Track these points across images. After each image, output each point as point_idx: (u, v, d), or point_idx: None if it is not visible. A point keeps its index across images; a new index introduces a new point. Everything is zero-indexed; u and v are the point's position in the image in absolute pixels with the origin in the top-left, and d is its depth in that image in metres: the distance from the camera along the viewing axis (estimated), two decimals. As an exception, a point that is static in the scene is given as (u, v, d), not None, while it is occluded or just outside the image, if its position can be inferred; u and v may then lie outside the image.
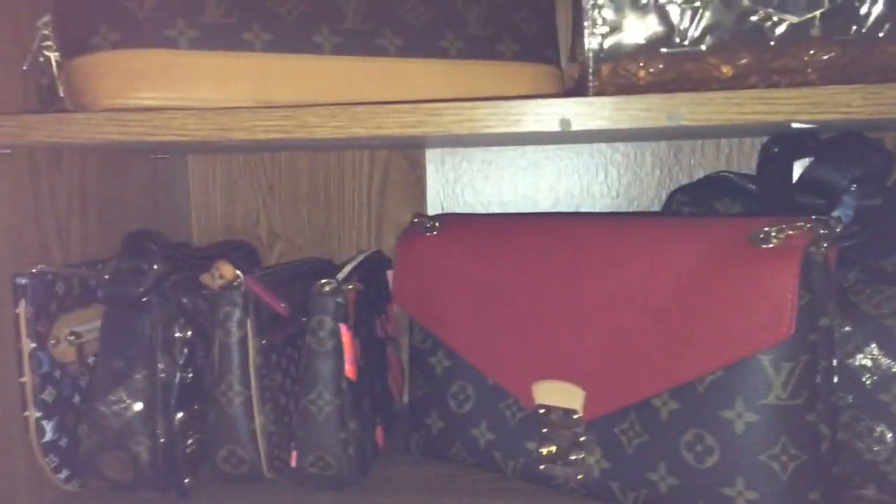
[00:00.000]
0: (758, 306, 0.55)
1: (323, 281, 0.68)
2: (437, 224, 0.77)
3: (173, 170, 0.97)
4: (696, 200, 0.77)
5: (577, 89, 0.63)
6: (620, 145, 0.94)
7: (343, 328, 0.68)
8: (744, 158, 0.90)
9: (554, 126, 0.58)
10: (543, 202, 0.95)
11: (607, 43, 0.58)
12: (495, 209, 0.96)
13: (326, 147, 0.91)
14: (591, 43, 0.58)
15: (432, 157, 0.97)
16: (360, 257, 0.83)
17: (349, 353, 0.68)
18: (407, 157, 0.97)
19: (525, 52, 0.75)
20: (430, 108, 0.59)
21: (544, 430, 0.68)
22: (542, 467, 0.68)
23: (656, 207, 0.93)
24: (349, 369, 0.68)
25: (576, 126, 0.57)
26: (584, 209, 0.95)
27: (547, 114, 0.57)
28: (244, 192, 1.00)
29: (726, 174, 0.78)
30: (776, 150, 0.72)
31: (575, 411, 0.65)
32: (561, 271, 0.67)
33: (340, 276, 0.74)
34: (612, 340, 0.63)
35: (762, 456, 0.56)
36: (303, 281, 0.83)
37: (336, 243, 0.99)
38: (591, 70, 0.59)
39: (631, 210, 0.94)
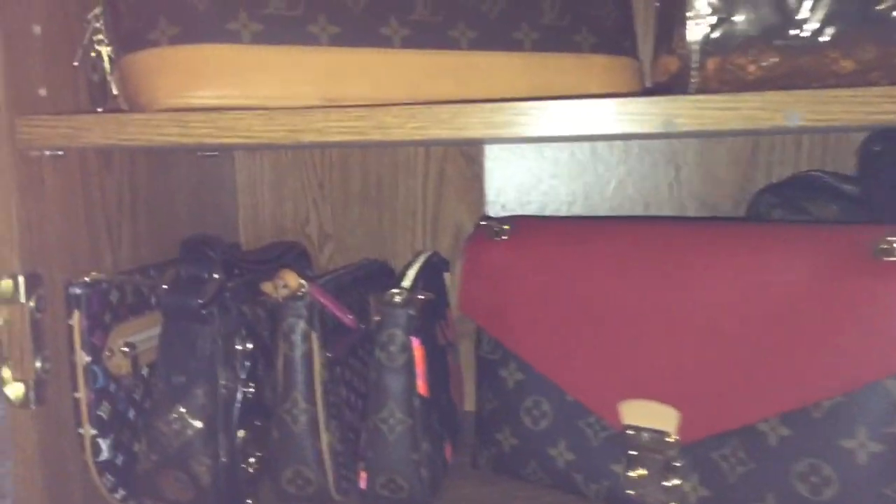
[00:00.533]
0: (886, 326, 0.50)
1: (393, 290, 0.63)
2: (507, 227, 0.72)
3: (220, 168, 0.93)
4: (786, 202, 0.72)
5: (671, 85, 0.58)
6: (692, 141, 0.88)
7: (415, 342, 0.63)
8: (829, 155, 0.84)
9: (656, 127, 0.52)
10: (610, 201, 0.90)
11: (715, 34, 0.52)
12: (560, 209, 0.91)
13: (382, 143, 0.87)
14: (694, 33, 0.53)
15: (491, 153, 0.92)
16: (421, 260, 0.79)
17: (421, 367, 0.64)
18: (464, 153, 0.92)
19: (603, 43, 0.70)
20: (518, 107, 0.54)
21: (632, 453, 0.63)
22: (629, 492, 0.63)
23: (730, 208, 0.88)
24: (421, 385, 0.64)
25: (682, 127, 0.52)
26: (652, 209, 0.89)
27: (648, 114, 0.52)
28: (293, 191, 0.96)
29: (818, 173, 0.73)
30: (878, 148, 0.66)
31: (668, 433, 0.61)
32: (651, 280, 0.62)
33: (406, 283, 0.70)
34: (711, 357, 0.58)
35: (888, 489, 0.51)
36: (361, 286, 0.79)
37: (389, 244, 0.95)
38: (694, 64, 0.53)
39: (704, 211, 0.88)
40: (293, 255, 0.86)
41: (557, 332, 0.67)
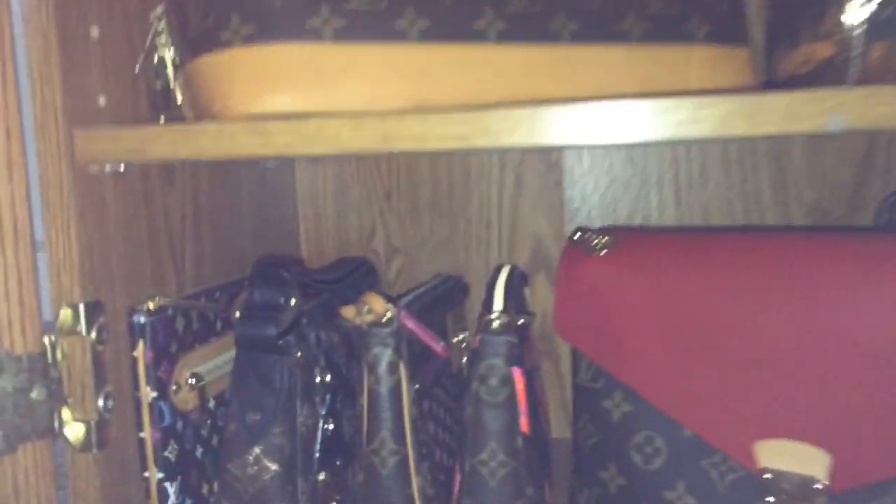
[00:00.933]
0: None
1: (493, 315, 0.56)
2: (607, 240, 0.64)
3: (280, 179, 0.87)
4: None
5: (816, 76, 0.50)
6: (798, 138, 0.80)
7: (517, 372, 0.56)
8: (959, 154, 0.75)
9: (809, 128, 0.45)
10: (705, 207, 0.82)
11: (884, 14, 0.44)
12: (650, 217, 0.83)
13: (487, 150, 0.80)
14: (856, 15, 0.45)
15: (572, 157, 0.84)
16: (503, 276, 0.72)
17: (523, 402, 0.57)
18: (542, 158, 0.85)
19: (716, 32, 0.62)
20: (655, 105, 0.46)
21: (770, 500, 0.55)
22: (765, 542, 0.55)
23: (843, 214, 0.79)
24: (524, 423, 0.57)
25: (842, 125, 0.44)
26: (754, 216, 0.81)
27: (800, 113, 0.45)
28: (358, 202, 0.89)
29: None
30: None
31: (816, 479, 0.53)
32: (789, 303, 0.54)
33: (497, 304, 0.63)
34: (867, 391, 0.50)
35: None
36: (440, 306, 0.72)
37: (463, 257, 0.88)
38: (856, 51, 0.46)
39: (813, 217, 0.80)
40: (361, 273, 0.79)
41: (673, 359, 0.60)
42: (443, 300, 0.74)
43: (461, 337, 0.75)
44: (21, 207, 0.49)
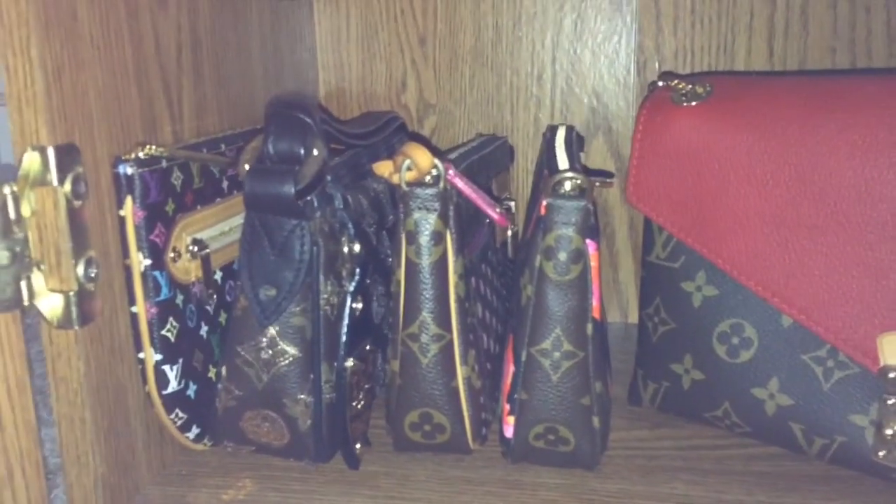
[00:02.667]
0: None
1: (564, 175, 0.45)
2: (704, 89, 0.52)
3: (297, 18, 0.74)
4: None
5: None
6: (922, -22, 0.66)
7: (591, 246, 0.46)
8: None
9: None
10: (804, 59, 0.69)
11: None
12: (732, 71, 0.70)
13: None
14: None
15: (644, -1, 0.71)
16: (561, 136, 0.60)
17: (597, 282, 0.46)
18: (608, -3, 0.71)
19: None
20: None
21: (890, 402, 0.45)
22: (880, 454, 0.46)
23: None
24: (596, 307, 0.46)
25: None
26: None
27: None
28: (387, 48, 0.76)
29: None
30: None
31: (957, 383, 0.43)
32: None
33: (561, 164, 0.51)
34: None
35: None
36: (486, 169, 0.61)
37: (508, 116, 0.76)
38: None
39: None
40: (393, 129, 0.67)
41: (777, 233, 0.49)
42: (489, 162, 0.62)
43: (508, 206, 0.64)
44: (-37, 16, 0.37)
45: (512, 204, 0.64)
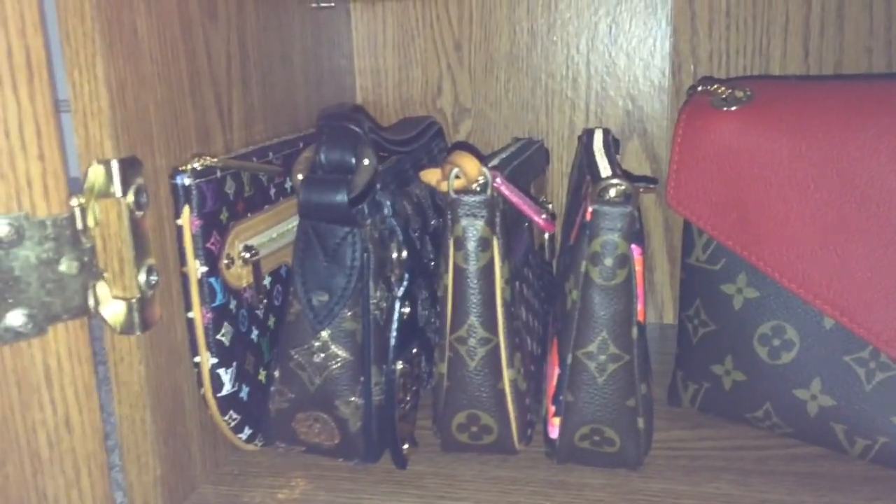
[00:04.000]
0: None
1: (609, 182, 0.46)
2: (745, 94, 0.53)
3: (335, 24, 0.75)
4: None
5: None
6: (959, -22, 0.66)
7: (636, 251, 0.46)
8: None
9: None
10: (840, 61, 0.69)
11: None
12: (767, 73, 0.71)
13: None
14: None
15: None
16: (598, 139, 0.61)
17: (642, 286, 0.47)
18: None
19: None
20: None
21: (934, 405, 0.46)
22: (924, 455, 0.47)
23: None
24: (641, 310, 0.47)
25: None
26: None
27: None
28: (423, 53, 0.78)
29: None
30: None
31: None
32: None
33: (604, 170, 0.52)
34: None
35: None
36: (526, 174, 0.62)
37: (544, 119, 0.77)
38: None
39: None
40: (432, 135, 0.69)
41: (818, 235, 0.49)
42: (528, 166, 0.63)
43: (551, 212, 0.65)
44: (34, 36, 0.39)
45: (549, 206, 0.65)
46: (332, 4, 0.71)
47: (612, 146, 0.61)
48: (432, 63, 0.77)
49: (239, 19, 0.56)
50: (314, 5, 0.69)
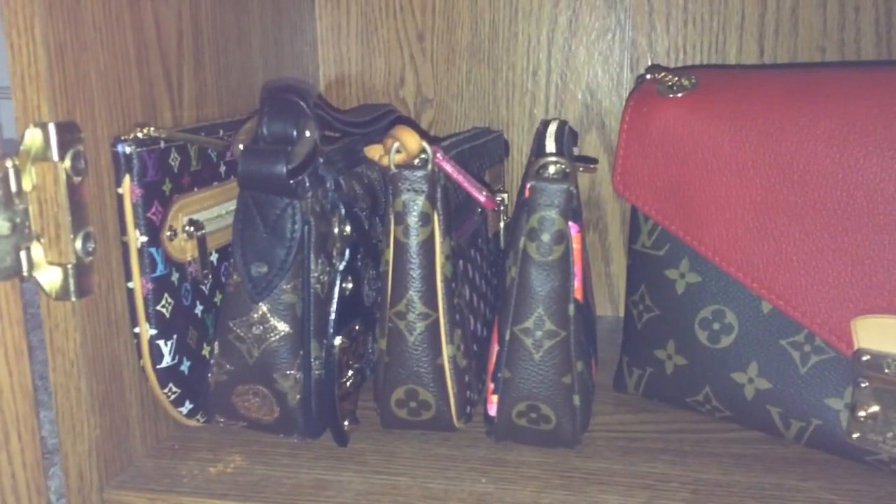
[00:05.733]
0: None
1: (548, 159, 0.46)
2: (690, 81, 0.53)
3: (298, 12, 0.75)
4: None
5: None
6: (910, -21, 0.67)
7: (574, 228, 0.47)
8: None
9: None
10: (794, 58, 0.70)
11: None
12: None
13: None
14: None
15: (637, -3, 0.72)
16: (553, 128, 0.61)
17: (579, 264, 0.48)
18: (602, -5, 0.73)
19: None
20: None
21: (864, 385, 0.46)
22: (854, 436, 0.47)
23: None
24: (578, 287, 0.48)
25: None
26: (847, 69, 0.70)
27: None
28: (386, 43, 0.78)
29: None
30: None
31: (929, 364, 0.44)
32: (917, 153, 0.44)
33: (548, 150, 0.53)
34: None
35: None
36: (478, 159, 0.63)
37: (504, 110, 0.77)
38: None
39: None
40: (391, 121, 0.69)
41: (758, 220, 0.50)
42: (482, 152, 0.64)
43: (500, 198, 0.65)
44: (-30, -5, 0.39)
45: (505, 196, 0.66)
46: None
47: (567, 136, 0.62)
48: (395, 53, 0.78)
49: (193, -4, 0.57)
50: (275, -11, 0.70)
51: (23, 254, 0.42)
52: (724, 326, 0.53)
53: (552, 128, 0.59)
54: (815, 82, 0.50)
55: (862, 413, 0.47)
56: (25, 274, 0.43)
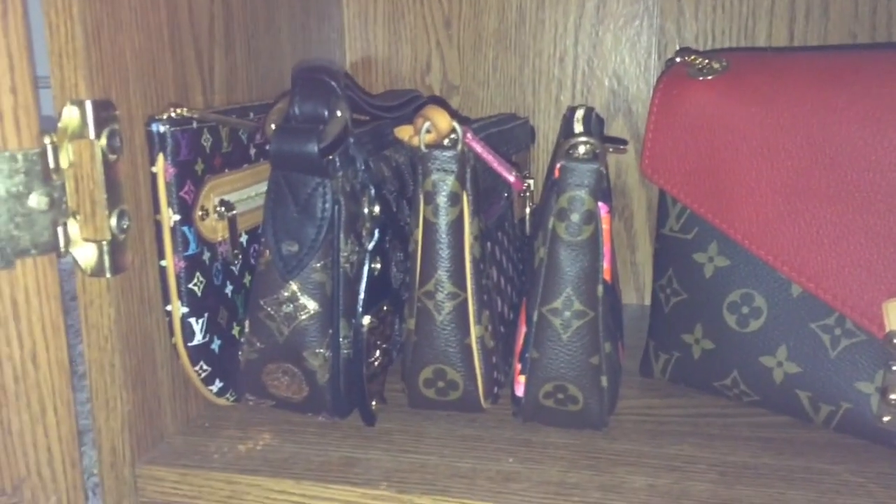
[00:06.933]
0: None
1: (578, 139, 0.46)
2: (721, 64, 0.53)
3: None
4: None
5: None
6: (944, -36, 0.66)
7: (604, 209, 0.47)
8: None
9: None
10: (824, 44, 0.70)
11: None
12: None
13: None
14: None
15: (665, -17, 0.72)
16: (580, 114, 0.61)
17: (608, 245, 0.48)
18: (630, -19, 0.73)
19: None
20: None
21: (895, 368, 0.46)
22: (885, 420, 0.47)
23: None
24: (607, 269, 0.48)
25: None
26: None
27: None
28: (412, 30, 0.78)
29: None
30: None
31: (963, 347, 0.44)
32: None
33: (577, 131, 0.53)
34: None
35: None
36: (506, 144, 0.63)
37: (530, 97, 0.77)
38: None
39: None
40: (418, 106, 0.69)
41: (788, 203, 0.50)
42: (509, 138, 0.64)
43: (527, 184, 0.65)
44: (10, -27, 0.40)
45: (531, 182, 0.66)
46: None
47: (593, 122, 0.62)
48: (422, 39, 0.78)
49: (224, -21, 0.57)
50: (304, -25, 0.70)
51: (59, 230, 0.43)
52: (752, 310, 0.52)
53: (579, 113, 0.59)
54: (847, 64, 0.50)
55: (893, 396, 0.46)
56: (62, 249, 0.44)
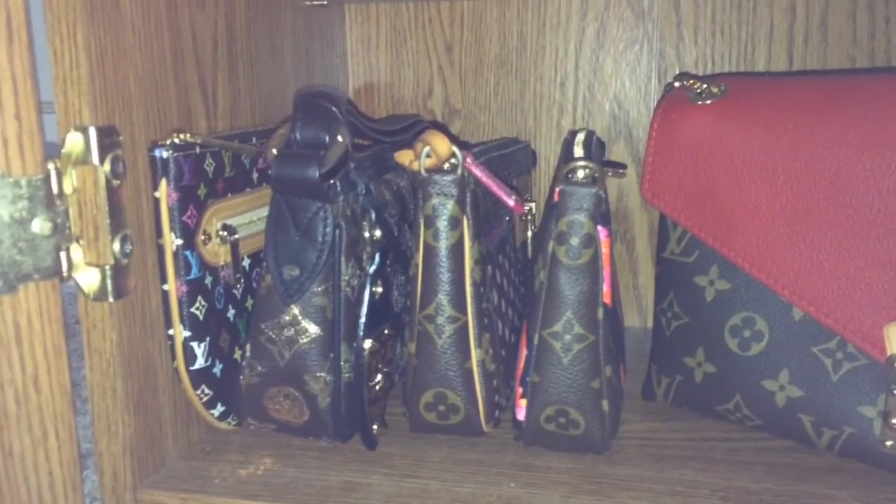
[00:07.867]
0: None
1: (577, 163, 0.47)
2: (720, 89, 0.54)
3: (329, 23, 0.77)
4: None
5: None
6: (941, -11, 0.67)
7: (603, 233, 0.47)
8: None
9: None
10: (824, 68, 0.70)
11: None
12: (752, 78, 0.72)
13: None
14: None
15: (666, 4, 0.73)
16: (581, 137, 0.62)
17: (608, 268, 0.48)
18: (632, 3, 0.73)
19: None
20: None
21: (898, 393, 0.46)
22: (888, 444, 0.47)
23: None
24: (607, 292, 0.48)
25: None
26: (878, 79, 0.69)
27: None
28: (415, 55, 0.79)
29: None
30: None
31: (965, 371, 0.43)
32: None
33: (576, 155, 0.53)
34: None
35: None
36: (507, 168, 0.63)
37: (532, 122, 0.78)
38: None
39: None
40: (420, 131, 0.70)
41: (789, 227, 0.50)
42: (510, 161, 0.64)
43: (528, 207, 0.65)
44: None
45: (532, 205, 0.66)
46: (325, 2, 0.73)
47: (594, 145, 0.62)
48: (424, 64, 0.79)
49: (228, 6, 0.58)
50: (307, 3, 0.71)
51: (62, 254, 0.43)
52: (754, 333, 0.52)
53: (580, 137, 0.59)
54: (845, 88, 0.50)
55: (896, 420, 0.46)
56: (65, 274, 0.44)
